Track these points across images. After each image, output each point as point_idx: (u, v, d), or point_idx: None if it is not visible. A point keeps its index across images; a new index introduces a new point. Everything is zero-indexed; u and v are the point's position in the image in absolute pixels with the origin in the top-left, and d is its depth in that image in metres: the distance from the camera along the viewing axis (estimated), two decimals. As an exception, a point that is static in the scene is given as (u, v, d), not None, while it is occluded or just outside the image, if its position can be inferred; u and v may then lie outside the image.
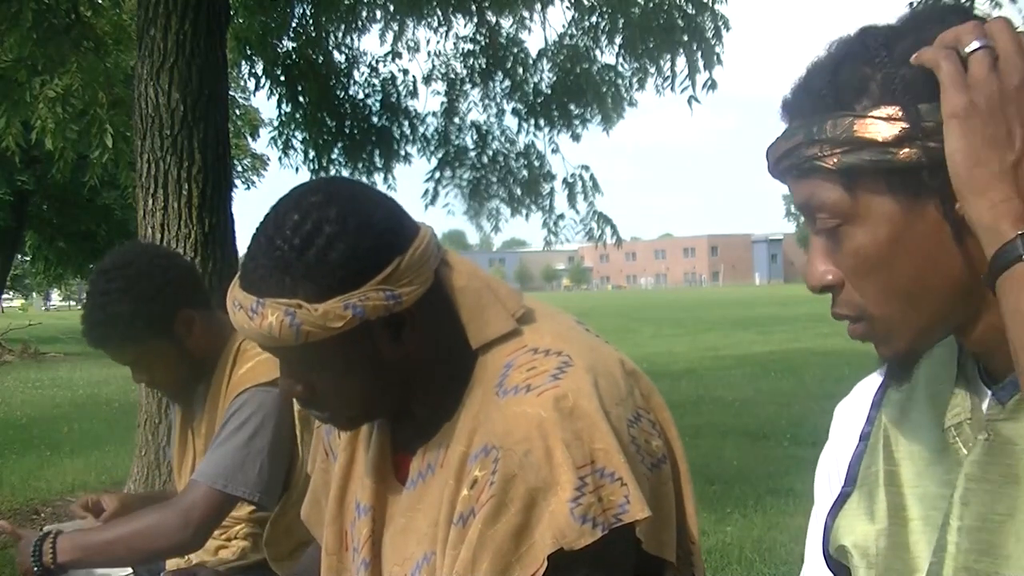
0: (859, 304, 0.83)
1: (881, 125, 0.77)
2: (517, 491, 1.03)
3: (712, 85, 7.63)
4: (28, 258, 27.62)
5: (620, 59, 8.14)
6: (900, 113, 0.77)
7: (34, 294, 61.81)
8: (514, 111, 8.69)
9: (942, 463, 0.87)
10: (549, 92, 8.51)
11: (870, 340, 0.85)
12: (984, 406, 0.85)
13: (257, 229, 1.12)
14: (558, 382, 1.08)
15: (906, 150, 0.77)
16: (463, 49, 8.54)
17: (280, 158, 8.26)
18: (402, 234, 1.11)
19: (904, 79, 0.78)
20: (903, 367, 0.86)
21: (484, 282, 1.19)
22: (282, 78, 7.75)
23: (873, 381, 1.00)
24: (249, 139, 18.60)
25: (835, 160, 0.79)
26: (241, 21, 7.25)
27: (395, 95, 8.44)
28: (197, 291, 2.04)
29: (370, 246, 1.08)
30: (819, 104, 0.81)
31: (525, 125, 8.72)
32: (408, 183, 8.12)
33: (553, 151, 8.82)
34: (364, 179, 8.06)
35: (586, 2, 8.02)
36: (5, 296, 41.98)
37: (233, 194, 4.97)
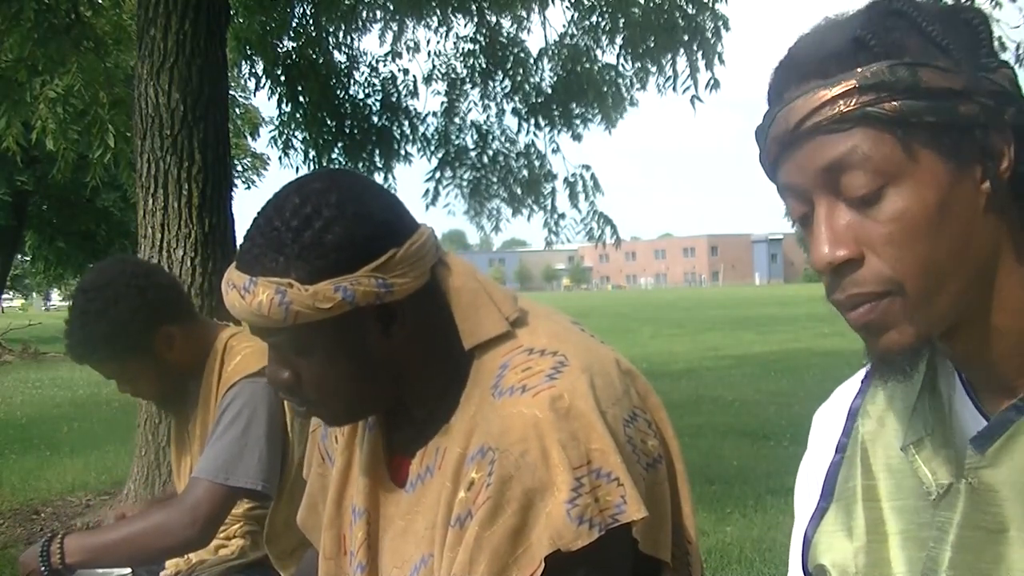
0: (889, 278, 0.76)
1: (943, 76, 0.74)
2: (514, 492, 1.03)
3: (715, 84, 7.65)
4: (28, 258, 27.63)
5: (621, 59, 8.16)
6: (957, 67, 0.75)
7: (34, 294, 61.84)
8: (514, 111, 8.70)
9: (915, 477, 0.86)
10: (549, 92, 8.52)
11: (886, 324, 0.77)
12: (963, 423, 0.84)
13: (258, 212, 1.13)
14: (554, 382, 1.08)
15: (966, 105, 0.75)
16: (463, 49, 8.56)
17: (280, 158, 8.28)
18: (400, 227, 1.12)
19: (952, 35, 0.76)
20: (908, 358, 0.79)
21: (480, 284, 1.19)
22: (282, 78, 7.75)
23: (851, 387, 0.98)
24: (249, 139, 18.60)
25: (895, 106, 0.74)
26: (241, 21, 7.25)
27: (395, 95, 8.45)
28: (178, 306, 2.05)
29: (366, 234, 1.08)
30: (866, 54, 0.75)
31: (525, 125, 8.74)
32: (408, 183, 8.13)
33: (554, 151, 8.83)
34: (364, 179, 8.05)
35: (586, 2, 8.03)
36: (5, 296, 41.98)
37: (233, 194, 4.98)
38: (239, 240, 5.02)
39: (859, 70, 0.75)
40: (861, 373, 0.98)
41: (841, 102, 0.75)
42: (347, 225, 1.08)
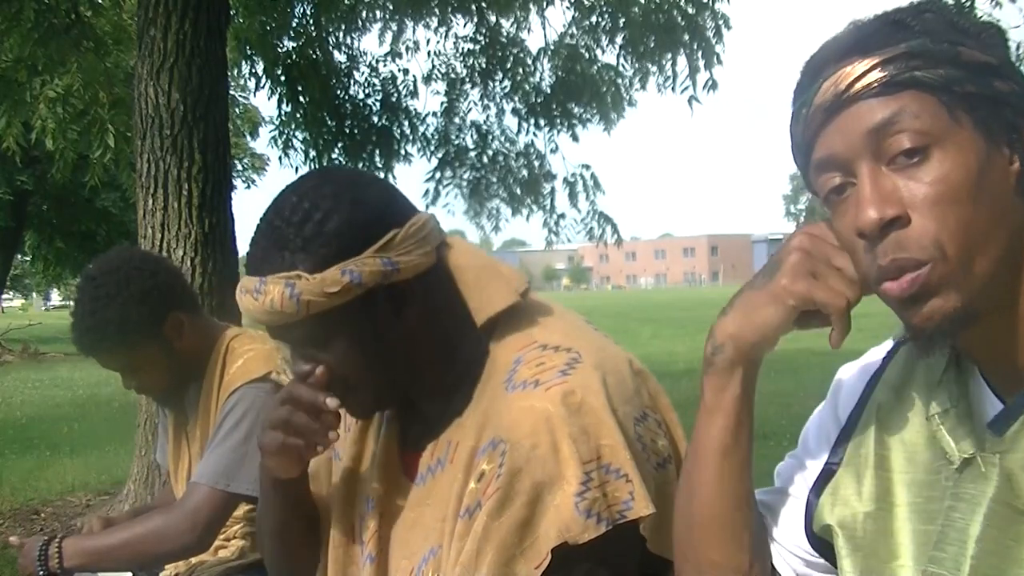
0: (934, 241, 0.77)
1: (980, 53, 0.80)
2: (523, 484, 1.04)
3: (713, 85, 7.64)
4: (28, 258, 27.61)
5: (620, 59, 8.15)
6: (990, 50, 0.80)
7: (34, 294, 61.77)
8: (514, 111, 8.69)
9: (931, 449, 0.87)
10: (549, 92, 8.51)
11: (929, 291, 0.78)
12: (980, 402, 0.85)
13: (260, 219, 1.15)
14: (566, 378, 1.09)
15: (1001, 81, 0.79)
16: (463, 49, 8.55)
17: (280, 158, 8.27)
18: (398, 209, 1.15)
19: (981, 27, 0.81)
20: (950, 328, 0.79)
21: (486, 261, 1.22)
22: (282, 78, 7.74)
23: (879, 353, 0.99)
24: (249, 138, 18.59)
25: (941, 73, 0.78)
26: (241, 21, 7.24)
27: (395, 95, 8.44)
28: (185, 294, 2.04)
29: (366, 218, 1.11)
30: (907, 33, 0.80)
31: (525, 125, 8.73)
32: (408, 183, 8.09)
33: (553, 151, 8.83)
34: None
35: (586, 2, 8.02)
36: (5, 296, 41.96)
37: (233, 194, 4.97)
38: (239, 240, 4.98)
39: (904, 43, 0.79)
40: (889, 343, 0.98)
41: (891, 66, 0.79)
42: (346, 212, 1.10)
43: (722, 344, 0.92)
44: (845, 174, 0.81)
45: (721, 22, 7.56)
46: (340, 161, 8.21)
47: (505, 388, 1.12)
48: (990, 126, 0.79)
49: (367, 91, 8.42)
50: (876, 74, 0.79)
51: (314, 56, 7.90)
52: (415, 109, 8.59)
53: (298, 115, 7.99)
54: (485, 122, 8.88)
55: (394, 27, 8.25)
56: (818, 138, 0.83)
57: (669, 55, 7.82)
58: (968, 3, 5.85)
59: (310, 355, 1.15)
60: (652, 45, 7.82)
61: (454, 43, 8.53)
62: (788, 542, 0.99)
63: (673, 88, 7.86)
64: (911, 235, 0.78)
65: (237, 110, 15.03)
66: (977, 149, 0.78)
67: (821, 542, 0.95)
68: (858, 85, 0.79)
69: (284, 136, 8.15)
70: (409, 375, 1.17)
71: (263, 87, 7.75)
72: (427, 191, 8.72)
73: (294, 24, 7.87)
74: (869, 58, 0.80)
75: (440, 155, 8.79)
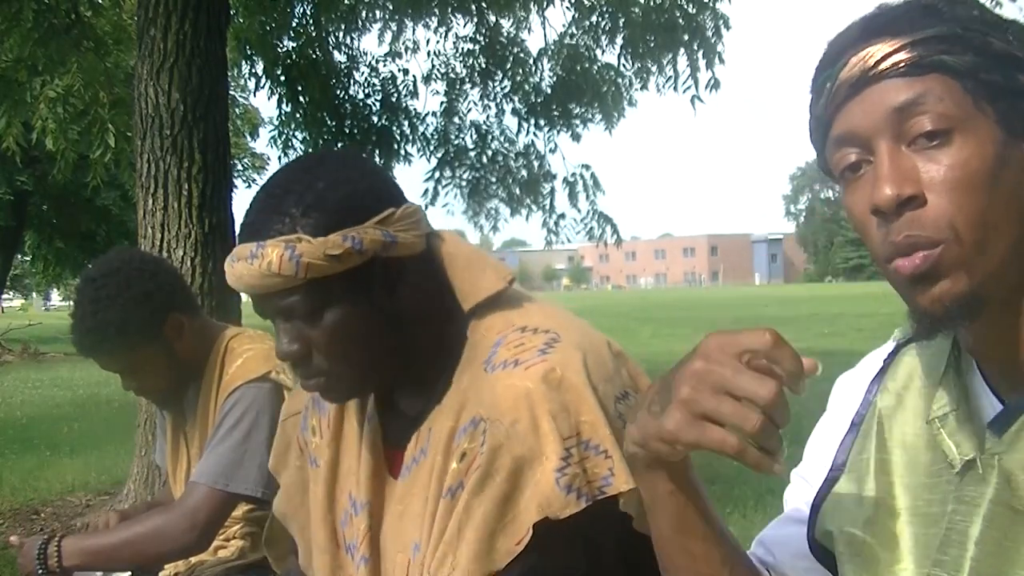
0: (950, 222, 0.77)
1: (1007, 45, 0.80)
2: (503, 461, 1.05)
3: (715, 84, 7.65)
4: (28, 258, 27.61)
5: (621, 59, 8.16)
6: (1018, 47, 0.80)
7: (34, 294, 61.75)
8: (514, 111, 8.70)
9: (932, 452, 0.87)
10: (549, 92, 8.51)
11: (940, 272, 0.78)
12: (980, 403, 0.85)
13: (254, 196, 1.15)
14: (546, 356, 1.10)
15: (1022, 76, 0.79)
16: (463, 49, 8.56)
17: (280, 157, 8.28)
18: (394, 192, 1.17)
19: (1008, 22, 0.82)
20: (957, 311, 0.78)
21: (477, 251, 1.24)
22: (282, 78, 7.75)
23: (876, 358, 0.99)
24: (249, 138, 18.59)
25: (968, 59, 0.78)
26: (241, 21, 7.25)
27: (395, 95, 8.45)
28: (184, 295, 2.05)
29: (366, 192, 1.13)
30: (936, 19, 0.80)
31: (525, 125, 8.74)
32: (408, 183, 8.07)
33: (552, 151, 8.83)
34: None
35: (586, 2, 8.03)
36: (5, 296, 41.96)
37: (233, 194, 4.97)
38: (239, 240, 4.99)
39: (934, 27, 0.79)
40: (890, 345, 0.98)
41: (920, 48, 0.79)
42: (348, 184, 1.12)
43: (633, 453, 0.87)
44: (863, 151, 0.81)
45: (721, 22, 7.56)
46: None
47: (484, 369, 1.12)
48: (1010, 118, 0.79)
49: (367, 91, 8.44)
50: (904, 54, 0.79)
51: (314, 56, 7.91)
52: (415, 109, 8.62)
53: (298, 115, 8.00)
54: (485, 122, 8.90)
55: (394, 27, 8.26)
56: (839, 113, 0.83)
57: (670, 55, 7.82)
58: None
59: (297, 331, 1.13)
60: (652, 45, 7.83)
61: (454, 43, 8.55)
62: (794, 565, 0.98)
63: (675, 88, 7.88)
64: (927, 215, 0.78)
65: (237, 110, 15.03)
66: (996, 139, 0.79)
67: (823, 550, 0.95)
68: (885, 63, 0.79)
69: (284, 136, 8.16)
70: (393, 360, 1.17)
71: (263, 87, 7.78)
72: (426, 191, 8.72)
73: (294, 24, 7.88)
74: (899, 39, 0.80)
75: (440, 155, 8.80)
